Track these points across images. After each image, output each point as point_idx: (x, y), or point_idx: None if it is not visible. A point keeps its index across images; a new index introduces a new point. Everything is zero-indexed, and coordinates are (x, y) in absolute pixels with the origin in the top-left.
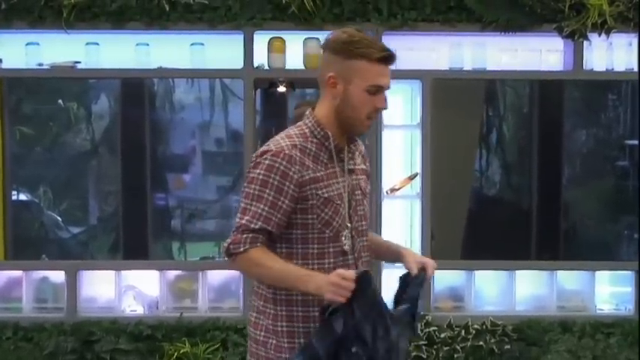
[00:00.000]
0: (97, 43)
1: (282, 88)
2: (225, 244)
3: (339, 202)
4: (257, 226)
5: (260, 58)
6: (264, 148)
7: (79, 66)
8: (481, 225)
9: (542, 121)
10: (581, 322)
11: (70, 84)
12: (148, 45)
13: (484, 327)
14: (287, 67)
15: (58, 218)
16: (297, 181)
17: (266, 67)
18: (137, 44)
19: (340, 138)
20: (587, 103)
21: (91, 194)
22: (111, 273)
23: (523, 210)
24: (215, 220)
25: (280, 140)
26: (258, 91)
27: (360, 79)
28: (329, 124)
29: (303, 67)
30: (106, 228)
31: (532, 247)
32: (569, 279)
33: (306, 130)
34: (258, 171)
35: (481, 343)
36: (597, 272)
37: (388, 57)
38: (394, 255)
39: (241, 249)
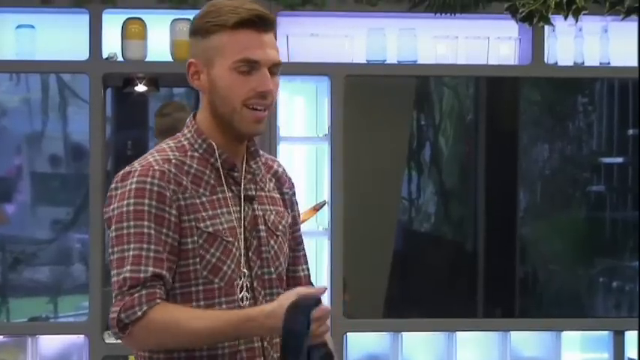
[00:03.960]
0: None
1: (141, 87)
2: (113, 316)
3: (230, 238)
4: (148, 274)
5: (111, 46)
6: (125, 169)
7: None
8: (411, 272)
9: (491, 132)
10: None
11: None
12: None
13: None
14: (148, 59)
15: None
16: (175, 204)
17: (120, 59)
18: None
19: (232, 151)
20: (550, 107)
21: None
22: None
23: (466, 251)
24: (49, 267)
25: (148, 156)
26: (109, 90)
27: (222, 57)
28: (213, 133)
29: (170, 59)
30: None
31: (478, 301)
32: (528, 342)
33: (185, 143)
34: (125, 202)
35: None
36: (564, 333)
37: (250, 19)
38: None
39: (139, 313)
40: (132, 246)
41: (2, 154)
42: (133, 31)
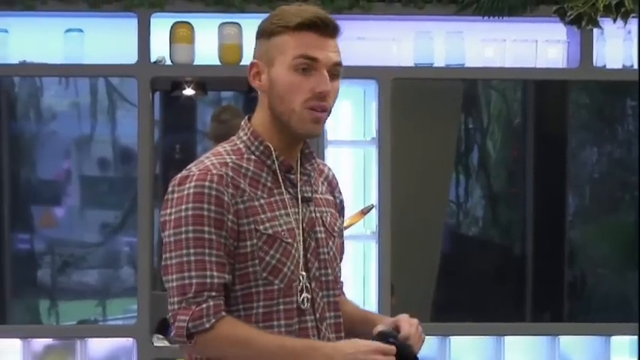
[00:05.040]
0: None
1: (189, 91)
2: (181, 324)
3: (289, 240)
4: (215, 280)
5: (160, 50)
6: (182, 174)
7: None
8: (458, 275)
9: (540, 136)
10: None
11: None
12: (6, 32)
13: None
14: (196, 63)
15: None
16: (233, 209)
17: (168, 63)
18: None
19: (288, 153)
20: (599, 111)
21: None
22: None
23: (514, 255)
24: (98, 270)
25: (205, 160)
26: (157, 94)
27: (282, 55)
28: (270, 134)
29: (218, 63)
30: None
31: (527, 305)
32: (577, 347)
33: (241, 146)
34: (183, 206)
35: None
36: (613, 338)
37: (314, 21)
38: (366, 323)
39: (207, 325)
40: (192, 251)
41: (51, 157)
42: (181, 35)
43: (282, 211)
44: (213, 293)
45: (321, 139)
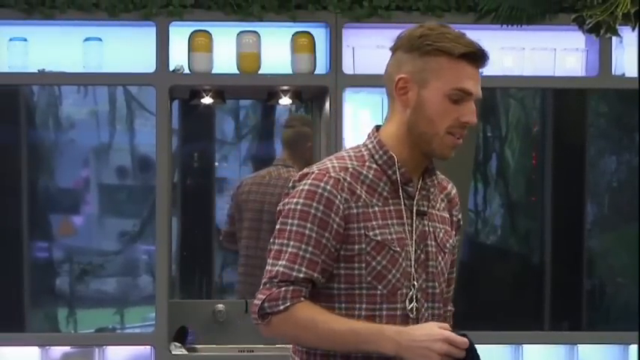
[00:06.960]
0: None
1: (207, 99)
2: (257, 302)
3: (397, 249)
4: (300, 275)
5: (178, 58)
6: (303, 170)
7: None
8: (477, 284)
9: (558, 144)
10: None
11: None
12: (25, 40)
13: None
14: (214, 72)
15: None
16: (342, 213)
17: (186, 71)
18: (10, 39)
19: (412, 166)
20: (618, 119)
21: None
22: None
23: (533, 264)
24: (116, 278)
25: (327, 161)
26: (176, 102)
27: (438, 81)
28: (397, 147)
29: (236, 71)
30: None
31: (545, 314)
32: (595, 355)
33: (365, 153)
34: (295, 200)
35: None
36: (631, 347)
37: (477, 53)
38: None
39: (281, 307)
40: (291, 243)
41: (70, 166)
42: (200, 44)
43: (395, 221)
44: (296, 282)
45: (340, 147)
